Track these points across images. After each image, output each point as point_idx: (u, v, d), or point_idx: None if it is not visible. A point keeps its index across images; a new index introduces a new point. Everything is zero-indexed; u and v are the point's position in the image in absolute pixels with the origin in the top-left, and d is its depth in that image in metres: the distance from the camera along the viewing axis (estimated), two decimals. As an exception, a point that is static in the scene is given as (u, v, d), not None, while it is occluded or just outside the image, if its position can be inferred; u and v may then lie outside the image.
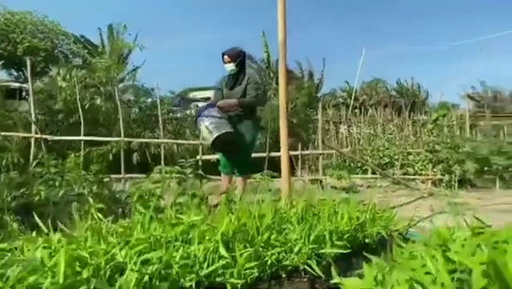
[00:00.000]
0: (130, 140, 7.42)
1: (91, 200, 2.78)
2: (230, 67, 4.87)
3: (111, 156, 5.65)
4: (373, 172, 8.11)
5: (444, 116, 9.28)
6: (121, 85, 16.74)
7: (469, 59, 49.80)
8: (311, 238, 2.30)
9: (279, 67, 4.30)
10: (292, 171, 8.20)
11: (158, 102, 7.56)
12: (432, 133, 8.34)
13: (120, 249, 1.69)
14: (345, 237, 2.54)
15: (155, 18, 53.14)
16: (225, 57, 4.87)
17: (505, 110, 28.13)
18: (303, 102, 10.86)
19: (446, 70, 46.42)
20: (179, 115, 9.06)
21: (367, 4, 55.88)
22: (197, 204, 3.40)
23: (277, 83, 23.41)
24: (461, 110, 28.32)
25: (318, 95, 24.65)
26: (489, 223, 4.26)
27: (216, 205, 4.74)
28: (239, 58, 4.88)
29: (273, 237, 2.23)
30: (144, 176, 7.27)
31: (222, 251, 1.89)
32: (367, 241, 2.75)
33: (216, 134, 4.60)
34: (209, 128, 4.65)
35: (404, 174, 8.25)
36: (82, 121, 7.02)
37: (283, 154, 4.35)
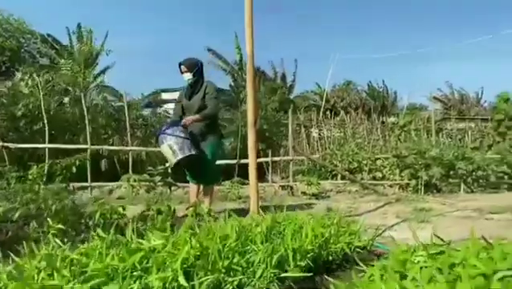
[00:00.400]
0: (97, 147, 7.26)
1: (50, 221, 2.70)
2: (188, 76, 4.88)
3: (74, 169, 5.50)
4: (343, 177, 8.21)
5: (410, 122, 9.50)
6: (91, 86, 16.40)
7: (436, 63, 51.11)
8: (274, 259, 2.29)
9: (247, 78, 4.30)
10: (263, 176, 8.22)
11: (126, 108, 7.41)
12: (399, 139, 8.51)
13: (73, 285, 1.63)
14: (309, 256, 2.54)
15: (127, 17, 52.30)
16: (182, 67, 4.88)
17: (470, 112, 29.08)
18: (275, 106, 10.88)
19: (415, 73, 47.66)
20: (150, 120, 8.89)
21: (342, 7, 56.52)
22: (163, 219, 3.35)
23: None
24: (428, 112, 29.18)
25: (291, 96, 24.79)
26: (451, 229, 4.37)
27: (184, 216, 4.71)
28: (196, 67, 4.90)
29: (235, 260, 2.21)
30: (111, 184, 7.16)
31: (181, 281, 1.85)
32: (331, 258, 2.77)
33: (180, 157, 4.56)
34: (173, 148, 4.59)
35: (373, 179, 8.40)
36: (47, 128, 6.82)
37: (251, 163, 4.35)
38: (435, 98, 33.31)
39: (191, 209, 3.94)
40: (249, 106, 4.24)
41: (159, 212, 3.33)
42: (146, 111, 11.54)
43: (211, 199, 5.06)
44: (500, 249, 2.13)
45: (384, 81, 30.08)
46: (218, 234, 2.47)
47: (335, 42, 51.59)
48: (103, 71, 20.03)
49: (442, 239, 2.59)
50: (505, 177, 7.90)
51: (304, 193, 7.05)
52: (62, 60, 17.77)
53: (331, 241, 2.91)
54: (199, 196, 5.04)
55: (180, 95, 5.17)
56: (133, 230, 2.53)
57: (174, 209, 3.94)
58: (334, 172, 8.53)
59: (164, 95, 23.97)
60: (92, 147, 6.90)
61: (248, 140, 4.31)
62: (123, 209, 3.47)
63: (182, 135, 4.64)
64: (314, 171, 8.87)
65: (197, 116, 4.77)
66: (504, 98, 8.50)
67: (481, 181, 7.79)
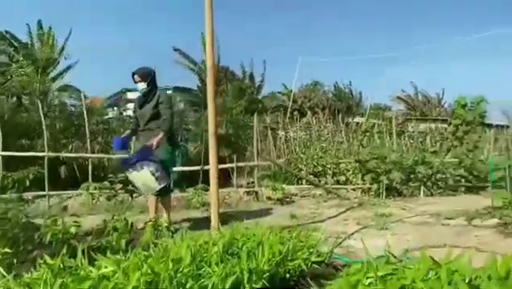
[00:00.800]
0: (55, 155, 7.01)
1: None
2: (142, 86, 4.81)
3: (28, 183, 5.28)
4: (308, 181, 8.30)
5: (372, 127, 9.69)
6: (52, 87, 15.81)
7: (401, 65, 52.46)
8: (229, 283, 2.27)
9: (208, 89, 4.25)
10: (229, 181, 8.19)
11: (85, 113, 7.19)
12: (362, 144, 8.67)
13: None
14: (265, 276, 2.53)
15: (90, 15, 50.95)
16: (136, 77, 4.81)
17: (432, 113, 30.01)
18: (241, 110, 10.84)
19: (381, 74, 48.83)
20: (111, 124, 8.62)
21: (311, 8, 57.05)
22: (118, 237, 3.27)
23: (216, 84, 23.26)
24: (392, 112, 29.92)
25: (259, 97, 24.80)
26: (409, 236, 4.45)
27: (143, 228, 4.63)
28: (150, 77, 4.83)
29: (188, 286, 2.17)
30: (70, 192, 6.94)
31: (129, 313, 1.81)
32: (288, 276, 2.78)
33: (163, 184, 4.56)
34: (156, 175, 4.55)
35: (337, 182, 8.52)
36: (0, 134, 6.53)
37: (212, 176, 4.28)
38: (399, 98, 34.20)
39: (149, 223, 3.88)
40: (210, 117, 4.20)
41: (115, 229, 3.24)
42: (111, 111, 11.19)
43: (168, 210, 4.95)
44: (446, 268, 2.19)
45: (350, 82, 30.56)
46: (172, 256, 2.43)
47: (304, 43, 52.09)
48: (65, 70, 19.39)
49: (395, 256, 2.66)
50: (463, 180, 8.17)
51: (269, 199, 7.06)
52: (21, 59, 17.06)
53: (289, 257, 2.92)
54: (158, 207, 4.95)
55: (135, 104, 5.10)
56: (85, 252, 2.46)
57: (132, 224, 3.86)
58: (299, 176, 8.60)
59: (130, 95, 23.53)
60: (50, 154, 6.66)
61: (209, 152, 4.26)
62: (78, 225, 3.36)
63: (157, 159, 4.60)
64: (281, 174, 8.92)
65: (161, 136, 4.65)
66: (461, 103, 8.80)
67: (439, 183, 8.05)
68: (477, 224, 5.08)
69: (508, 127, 24.24)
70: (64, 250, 2.84)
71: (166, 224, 4.31)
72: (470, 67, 49.67)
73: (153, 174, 4.52)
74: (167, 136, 4.75)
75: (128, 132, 5.19)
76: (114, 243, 3.33)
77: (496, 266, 2.17)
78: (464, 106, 8.75)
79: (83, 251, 2.58)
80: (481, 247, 3.99)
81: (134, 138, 5.38)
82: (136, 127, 5.03)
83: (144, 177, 4.57)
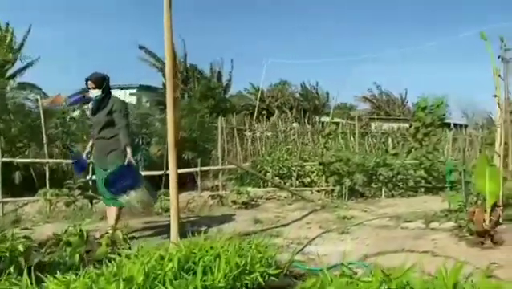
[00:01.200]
0: (9, 160, 6.71)
1: None
2: (96, 92, 4.69)
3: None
4: (273, 184, 8.32)
5: (335, 130, 9.82)
6: (10, 85, 15.15)
7: (367, 66, 53.43)
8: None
9: (167, 100, 4.13)
10: (194, 185, 8.08)
11: (41, 114, 6.91)
12: (326, 147, 8.78)
13: None
14: (220, 293, 2.50)
15: (52, 11, 49.25)
16: (89, 83, 4.69)
17: (396, 112, 30.82)
18: (206, 112, 10.73)
19: (348, 75, 49.67)
20: (71, 127, 8.28)
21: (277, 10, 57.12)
22: (72, 252, 3.16)
23: (183, 83, 22.86)
24: (357, 111, 30.49)
25: (227, 96, 24.69)
26: (369, 240, 4.50)
27: (100, 237, 4.49)
28: (103, 83, 4.71)
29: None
30: (26, 199, 6.68)
31: None
32: (244, 290, 2.75)
33: (155, 191, 4.76)
34: (140, 199, 4.61)
35: (302, 184, 8.60)
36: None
37: (171, 177, 4.17)
38: (364, 98, 34.91)
39: (106, 235, 3.76)
40: (169, 128, 4.09)
41: (68, 243, 3.12)
42: (73, 111, 10.69)
43: (116, 220, 4.77)
44: (397, 282, 2.24)
45: (317, 83, 30.86)
46: (125, 275, 2.37)
47: (271, 44, 52.21)
48: (24, 68, 18.67)
49: (350, 267, 2.69)
50: (423, 181, 8.42)
51: (234, 202, 7.00)
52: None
53: (248, 270, 2.89)
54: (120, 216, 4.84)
55: (90, 111, 5.04)
56: (31, 270, 2.36)
57: (87, 235, 3.74)
58: (265, 179, 8.61)
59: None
60: (4, 159, 6.38)
61: (169, 164, 4.17)
62: (29, 239, 3.22)
63: (131, 181, 4.59)
64: (247, 177, 8.90)
65: (128, 151, 4.58)
66: (421, 106, 9.05)
67: (400, 184, 8.26)
68: (435, 227, 5.23)
69: (467, 126, 25.26)
70: (12, 269, 2.73)
71: (122, 235, 4.19)
72: (434, 68, 51.48)
73: (139, 187, 4.57)
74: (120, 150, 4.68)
75: (90, 143, 5.02)
76: (67, 258, 3.22)
77: (443, 278, 2.24)
78: (424, 109, 8.99)
79: (31, 269, 2.48)
80: (436, 252, 4.10)
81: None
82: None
83: (135, 196, 4.58)
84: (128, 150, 4.59)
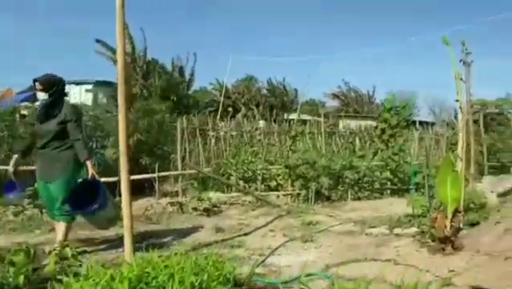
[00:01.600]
0: None
1: None
2: (42, 96, 4.26)
3: None
4: (237, 189, 8.09)
5: (302, 132, 9.70)
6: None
7: (336, 64, 53.99)
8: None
9: (119, 103, 3.84)
10: (152, 190, 7.72)
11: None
12: (291, 149, 8.63)
13: None
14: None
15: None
16: (37, 84, 4.24)
17: (364, 109, 31.15)
18: (168, 110, 10.29)
19: (316, 72, 50.02)
20: (17, 130, 7.61)
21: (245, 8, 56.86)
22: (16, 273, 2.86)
23: (143, 78, 22.15)
24: (326, 108, 30.60)
25: (189, 92, 23.88)
26: (332, 248, 4.33)
27: (49, 253, 4.15)
28: (54, 87, 4.24)
29: None
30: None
31: None
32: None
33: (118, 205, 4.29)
34: (109, 204, 4.42)
35: (268, 187, 8.40)
36: None
37: (123, 185, 3.87)
38: (333, 95, 35.11)
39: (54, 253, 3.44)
40: (121, 135, 3.80)
41: (12, 263, 2.83)
42: (24, 109, 9.84)
43: (65, 235, 4.39)
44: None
45: (284, 78, 30.15)
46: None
47: (235, 39, 52.04)
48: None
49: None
50: (388, 182, 8.40)
51: (195, 209, 6.68)
52: None
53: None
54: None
55: (34, 116, 4.58)
56: None
57: (34, 252, 3.41)
58: (228, 183, 8.36)
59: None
60: None
61: (121, 172, 3.88)
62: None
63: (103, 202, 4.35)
64: (209, 181, 8.62)
65: (90, 167, 4.28)
66: (387, 107, 9.01)
67: (366, 186, 8.21)
68: (398, 232, 5.17)
69: (434, 124, 25.80)
70: None
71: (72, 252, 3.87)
72: (404, 67, 53.12)
73: (106, 204, 4.34)
74: (74, 154, 4.30)
75: (14, 157, 4.53)
76: (11, 280, 2.92)
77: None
78: (390, 110, 8.96)
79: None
80: (398, 260, 4.02)
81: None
82: (30, 144, 4.47)
83: (102, 214, 4.37)
84: (89, 164, 4.27)
